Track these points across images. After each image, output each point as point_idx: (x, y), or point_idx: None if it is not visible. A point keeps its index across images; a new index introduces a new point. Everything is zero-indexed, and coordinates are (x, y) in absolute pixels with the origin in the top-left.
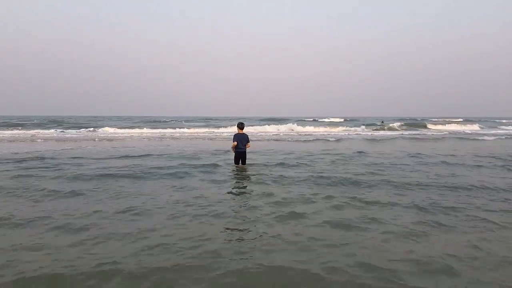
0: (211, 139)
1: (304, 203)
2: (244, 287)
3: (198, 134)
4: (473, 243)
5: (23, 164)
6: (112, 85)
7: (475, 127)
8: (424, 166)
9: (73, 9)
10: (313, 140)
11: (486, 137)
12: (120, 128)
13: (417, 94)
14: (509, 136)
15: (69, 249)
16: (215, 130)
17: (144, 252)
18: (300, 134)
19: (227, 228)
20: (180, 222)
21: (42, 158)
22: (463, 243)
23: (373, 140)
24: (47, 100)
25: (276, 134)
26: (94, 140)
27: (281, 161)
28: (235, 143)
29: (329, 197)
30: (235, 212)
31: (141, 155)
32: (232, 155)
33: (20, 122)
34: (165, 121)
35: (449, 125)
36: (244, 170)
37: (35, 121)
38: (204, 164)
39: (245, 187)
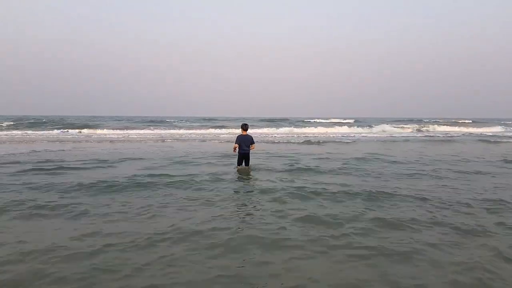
0: (219, 140)
1: None
2: None
3: (203, 135)
4: None
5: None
6: (112, 85)
7: (498, 129)
8: None
9: (73, 9)
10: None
11: None
12: (115, 128)
13: (417, 95)
14: None
15: None
16: (215, 131)
17: None
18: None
19: None
20: None
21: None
22: None
23: (430, 141)
24: (47, 100)
25: (309, 137)
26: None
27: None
28: (236, 145)
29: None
30: None
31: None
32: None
33: None
34: (168, 121)
35: (470, 127)
36: (247, 172)
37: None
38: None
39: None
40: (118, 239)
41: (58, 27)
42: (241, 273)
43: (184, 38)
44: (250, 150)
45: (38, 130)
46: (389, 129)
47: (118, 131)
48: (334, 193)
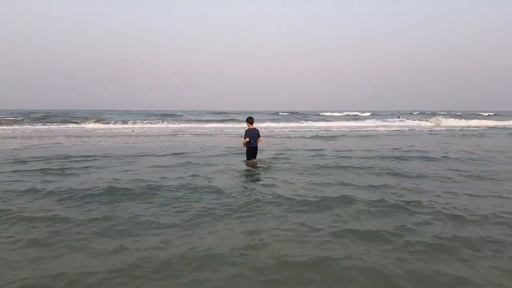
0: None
1: None
2: None
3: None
4: None
5: None
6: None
7: None
8: None
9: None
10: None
11: None
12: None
13: (419, 89)
14: None
15: None
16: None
17: None
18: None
19: None
20: None
21: None
22: None
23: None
24: (66, 95)
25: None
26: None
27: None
28: (247, 139)
29: None
30: None
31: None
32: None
33: None
34: (180, 115)
35: (492, 120)
36: (255, 165)
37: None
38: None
39: None
40: None
41: (63, 27)
42: None
43: (183, 38)
44: (258, 144)
45: (61, 124)
46: (411, 124)
47: (159, 125)
48: None
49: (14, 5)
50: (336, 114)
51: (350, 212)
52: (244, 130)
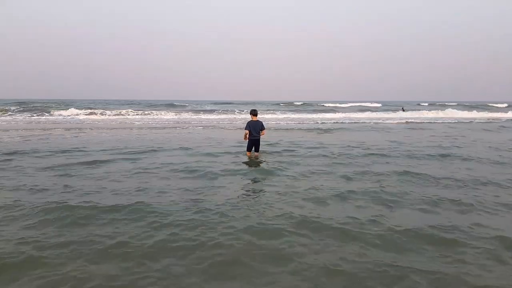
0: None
1: None
2: None
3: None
4: None
5: None
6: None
7: None
8: None
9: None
10: None
11: None
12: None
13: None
14: None
15: None
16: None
17: None
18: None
19: None
20: None
21: None
22: None
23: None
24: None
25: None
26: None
27: None
28: (247, 131)
29: None
30: None
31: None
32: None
33: None
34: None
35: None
36: (257, 158)
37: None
38: None
39: None
40: None
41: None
42: None
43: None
44: (260, 136)
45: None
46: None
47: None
48: None
49: None
50: (338, 105)
51: None
52: (246, 122)
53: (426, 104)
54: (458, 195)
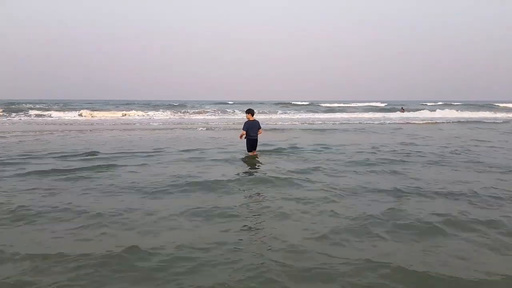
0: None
1: None
2: None
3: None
4: None
5: None
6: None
7: None
8: None
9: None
10: None
11: None
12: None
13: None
14: None
15: None
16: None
17: None
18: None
19: None
20: None
21: None
22: None
23: None
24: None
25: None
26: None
27: None
28: (244, 132)
29: None
30: None
31: None
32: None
33: None
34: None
35: None
36: (256, 157)
37: None
38: None
39: None
40: None
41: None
42: None
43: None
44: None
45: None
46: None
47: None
48: None
49: None
50: (346, 105)
51: None
52: (244, 122)
53: (430, 104)
54: None
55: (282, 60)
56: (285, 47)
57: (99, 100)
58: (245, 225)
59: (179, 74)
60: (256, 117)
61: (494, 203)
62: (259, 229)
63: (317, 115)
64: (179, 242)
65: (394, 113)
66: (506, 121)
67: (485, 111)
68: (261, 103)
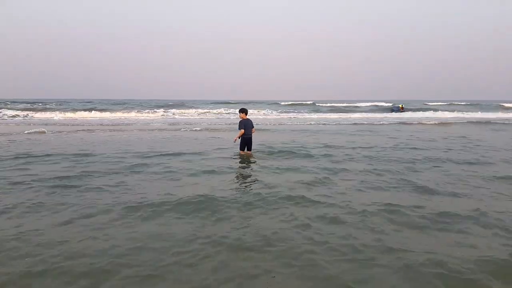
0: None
1: None
2: None
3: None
4: None
5: None
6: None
7: None
8: None
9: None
10: None
11: None
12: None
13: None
14: None
15: None
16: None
17: None
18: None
19: None
20: None
21: None
22: None
23: None
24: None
25: None
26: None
27: None
28: (242, 131)
29: None
30: None
31: None
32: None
33: None
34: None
35: None
36: (251, 156)
37: None
38: None
39: None
40: None
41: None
42: None
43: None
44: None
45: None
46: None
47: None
48: None
49: None
50: (355, 104)
51: None
52: (239, 121)
53: (432, 104)
54: None
55: (282, 60)
56: (285, 47)
57: (99, 100)
58: None
59: (179, 74)
60: (258, 117)
61: None
62: None
63: (327, 115)
64: None
65: (397, 113)
66: None
67: (496, 112)
68: (261, 102)
